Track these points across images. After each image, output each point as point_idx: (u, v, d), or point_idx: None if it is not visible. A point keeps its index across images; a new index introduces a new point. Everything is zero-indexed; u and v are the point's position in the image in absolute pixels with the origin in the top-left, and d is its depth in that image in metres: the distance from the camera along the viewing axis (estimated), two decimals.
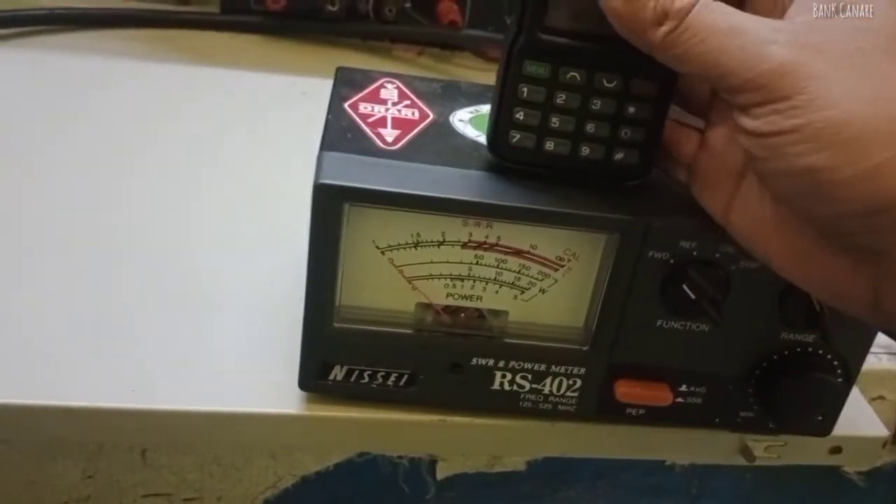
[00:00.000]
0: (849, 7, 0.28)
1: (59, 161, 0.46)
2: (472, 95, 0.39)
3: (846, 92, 0.27)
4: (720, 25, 0.28)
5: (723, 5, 0.29)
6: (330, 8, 0.61)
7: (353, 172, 0.32)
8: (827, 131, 0.27)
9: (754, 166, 0.30)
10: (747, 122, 0.29)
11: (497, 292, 0.35)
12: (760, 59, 0.28)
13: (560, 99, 0.32)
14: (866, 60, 0.27)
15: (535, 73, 0.32)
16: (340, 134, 0.34)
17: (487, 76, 0.43)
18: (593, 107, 0.33)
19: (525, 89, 0.32)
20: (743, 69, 0.28)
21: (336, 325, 0.34)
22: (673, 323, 0.35)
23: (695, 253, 0.34)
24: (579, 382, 0.37)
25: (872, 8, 0.28)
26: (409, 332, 0.35)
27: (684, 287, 0.34)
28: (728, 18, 0.29)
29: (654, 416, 0.37)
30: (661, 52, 0.29)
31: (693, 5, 0.29)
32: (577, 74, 0.32)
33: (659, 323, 0.35)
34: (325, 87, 0.38)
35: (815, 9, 0.29)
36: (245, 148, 0.49)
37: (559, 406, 0.37)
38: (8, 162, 0.45)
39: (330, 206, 0.31)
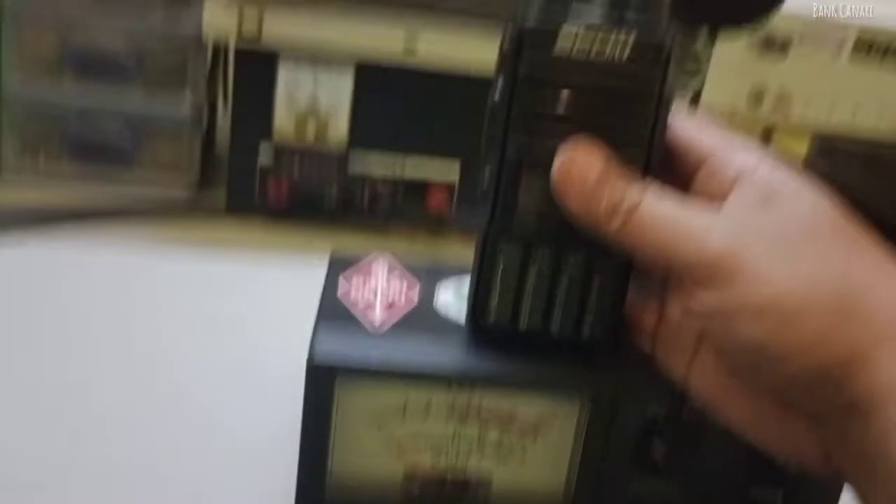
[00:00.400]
0: (778, 199, 0.32)
1: (69, 346, 0.48)
2: (455, 275, 0.43)
3: (781, 273, 0.30)
4: (666, 218, 0.32)
5: (668, 198, 0.33)
6: (328, 201, 0.66)
7: (344, 350, 0.35)
8: (766, 308, 0.30)
9: (707, 340, 0.33)
10: (696, 300, 0.32)
11: (481, 459, 0.37)
12: (701, 246, 0.31)
13: (531, 279, 0.36)
14: (796, 245, 0.31)
15: (507, 258, 0.36)
16: (333, 314, 0.37)
17: None
18: (561, 285, 0.36)
19: (499, 272, 0.36)
20: (686, 255, 0.31)
21: (328, 495, 0.36)
22: (647, 482, 0.37)
23: (663, 415, 0.36)
24: None
25: (799, 200, 0.32)
26: (398, 501, 0.37)
27: (655, 447, 0.36)
28: (672, 211, 0.32)
29: None
30: (616, 241, 0.33)
31: (641, 201, 0.33)
32: (545, 255, 0.36)
33: (634, 482, 0.37)
34: (321, 271, 0.42)
35: (750, 199, 0.33)
36: (246, 330, 0.52)
37: None
38: (19, 348, 0.48)
39: (322, 382, 0.34)
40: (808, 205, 0.32)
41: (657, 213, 0.32)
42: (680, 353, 0.35)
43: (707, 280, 0.31)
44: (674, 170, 0.36)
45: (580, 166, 0.33)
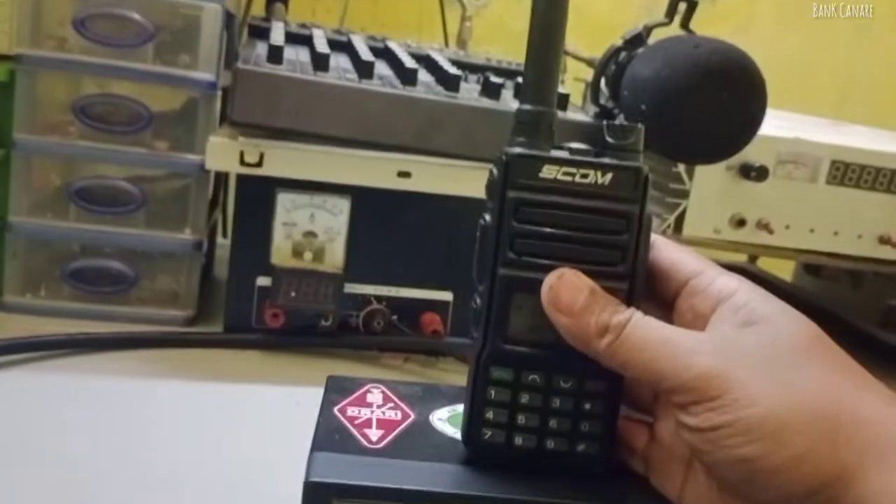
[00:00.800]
0: (759, 322, 0.34)
1: (67, 473, 0.48)
2: (450, 397, 0.44)
3: (766, 393, 0.31)
4: (653, 338, 0.34)
5: (653, 320, 0.34)
6: (324, 323, 0.67)
7: (341, 470, 0.35)
8: (755, 425, 0.31)
9: (698, 457, 0.34)
10: (686, 418, 0.33)
11: None
12: (688, 366, 0.33)
13: (524, 399, 0.37)
14: (779, 365, 0.32)
15: (500, 378, 0.37)
16: (329, 435, 0.38)
17: None
18: (554, 405, 0.37)
19: (492, 391, 0.37)
20: (675, 375, 0.33)
21: None
22: None
23: None
24: None
25: (779, 323, 0.34)
26: None
27: None
28: (659, 332, 0.34)
29: None
30: (606, 359, 0.34)
31: (628, 320, 0.34)
32: (537, 377, 0.37)
33: None
34: (318, 395, 0.42)
35: (732, 322, 0.34)
36: (244, 455, 0.53)
37: None
38: (15, 477, 0.48)
39: (319, 501, 0.35)
40: (787, 327, 0.34)
41: (645, 332, 0.34)
42: (672, 472, 0.36)
43: (695, 397, 0.32)
44: (657, 291, 0.37)
45: (568, 289, 0.35)
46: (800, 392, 0.32)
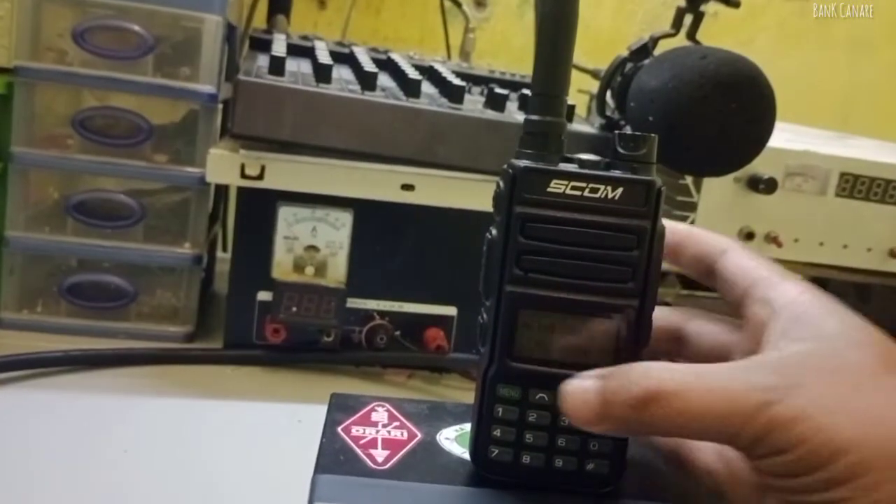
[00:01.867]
0: (821, 339, 0.31)
1: (69, 490, 0.47)
2: (457, 415, 0.42)
3: (850, 434, 0.29)
4: (694, 387, 0.30)
5: (673, 365, 0.32)
6: (326, 339, 0.66)
7: (347, 493, 0.34)
8: (842, 474, 0.28)
9: (772, 494, 0.31)
10: (759, 463, 0.31)
11: None
12: (755, 412, 0.29)
13: (532, 417, 0.36)
14: (855, 397, 0.29)
15: (507, 395, 0.36)
16: (334, 456, 0.37)
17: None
18: (562, 423, 0.36)
19: (500, 409, 0.36)
20: (743, 426, 0.29)
21: None
22: None
23: None
24: None
25: (841, 344, 0.31)
26: None
27: None
28: (700, 379, 0.30)
29: None
30: (651, 431, 0.32)
31: (658, 380, 0.31)
32: (545, 395, 0.36)
33: None
34: (320, 413, 0.41)
35: (789, 337, 0.31)
36: (244, 474, 0.52)
37: None
38: (23, 497, 0.47)
39: None
40: (857, 346, 0.31)
41: (685, 388, 0.30)
42: (745, 494, 0.34)
43: (770, 451, 0.30)
44: (727, 299, 0.36)
45: (576, 404, 0.33)
46: (887, 429, 0.29)
